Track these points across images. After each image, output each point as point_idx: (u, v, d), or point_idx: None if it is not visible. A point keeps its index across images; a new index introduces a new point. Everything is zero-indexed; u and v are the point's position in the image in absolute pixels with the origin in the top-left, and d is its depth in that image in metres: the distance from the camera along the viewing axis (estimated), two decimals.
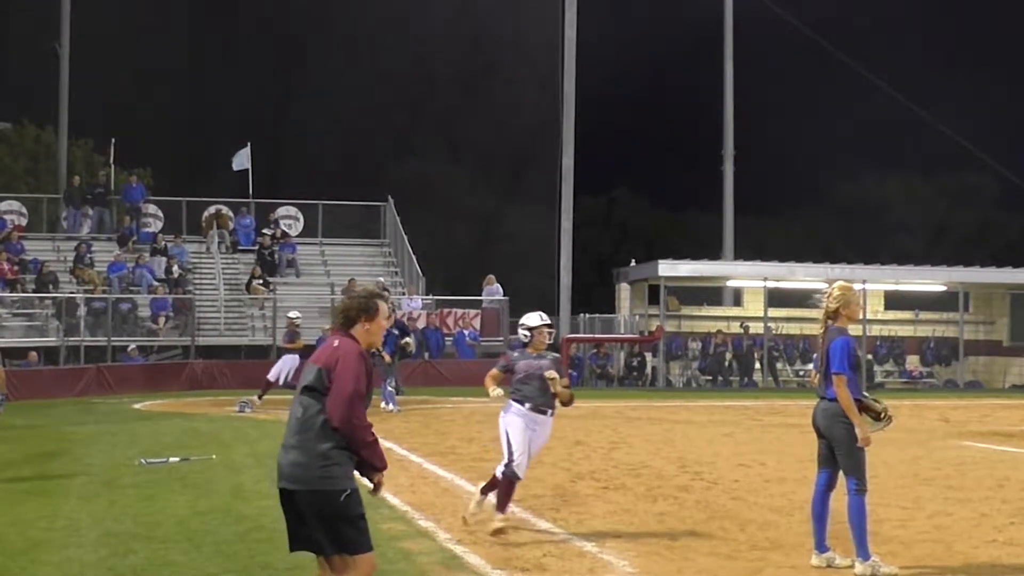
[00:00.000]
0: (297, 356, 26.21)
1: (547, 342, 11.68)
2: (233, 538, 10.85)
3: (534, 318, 11.68)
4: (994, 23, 63.36)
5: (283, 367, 26.43)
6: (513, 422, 11.24)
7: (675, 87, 58.82)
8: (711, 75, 46.78)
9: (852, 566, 9.57)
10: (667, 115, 58.55)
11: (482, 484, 11.62)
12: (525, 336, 11.63)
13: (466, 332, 36.44)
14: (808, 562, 9.82)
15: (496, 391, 11.28)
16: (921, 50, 63.54)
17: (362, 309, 7.27)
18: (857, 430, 9.60)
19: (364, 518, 6.96)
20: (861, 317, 38.72)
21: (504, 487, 11.15)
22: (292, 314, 28.32)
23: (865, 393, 9.97)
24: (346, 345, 7.14)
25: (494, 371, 11.54)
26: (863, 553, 9.55)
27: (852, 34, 59.95)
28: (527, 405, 11.25)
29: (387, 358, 25.63)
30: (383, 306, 7.33)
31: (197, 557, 10.05)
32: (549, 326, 11.80)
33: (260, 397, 26.11)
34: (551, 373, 11.31)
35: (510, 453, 11.15)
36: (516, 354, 11.67)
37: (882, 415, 9.94)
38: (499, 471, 11.22)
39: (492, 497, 11.35)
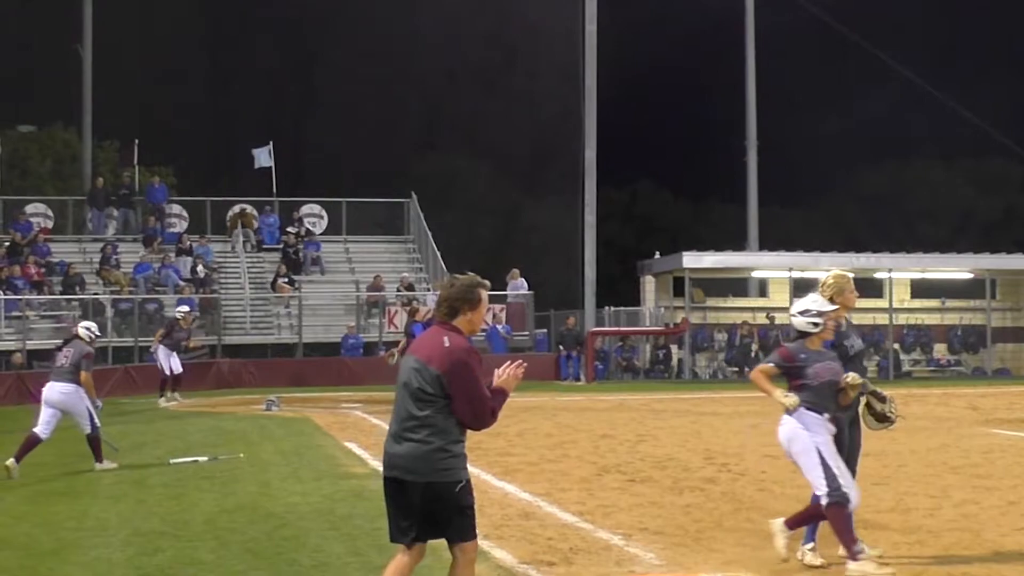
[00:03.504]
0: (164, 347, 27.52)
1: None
2: (260, 536, 10.89)
3: (820, 300, 9.57)
4: (1020, 6, 62.97)
5: (164, 360, 27.75)
6: (821, 438, 9.22)
7: (697, 77, 58.74)
8: (733, 65, 46.65)
9: (880, 555, 9.54)
10: (690, 106, 58.51)
11: (781, 519, 9.67)
12: (812, 325, 9.43)
13: (499, 327, 36.50)
14: (835, 552, 9.78)
15: (792, 399, 9.35)
16: (945, 34, 63.36)
17: (465, 300, 7.37)
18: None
19: (473, 508, 7.24)
20: (890, 305, 38.78)
21: (840, 519, 9.11)
22: (180, 311, 28.77)
23: (874, 388, 9.91)
24: (456, 344, 7.22)
25: (769, 367, 9.57)
26: (806, 537, 9.68)
27: (875, 19, 59.76)
28: (826, 415, 9.30)
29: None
30: (484, 294, 7.45)
31: (224, 555, 10.09)
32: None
33: (166, 396, 27.26)
34: (854, 377, 9.40)
35: (831, 477, 9.10)
36: (801, 352, 9.42)
37: (888, 414, 9.91)
38: (822, 501, 9.16)
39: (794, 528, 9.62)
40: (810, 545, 9.61)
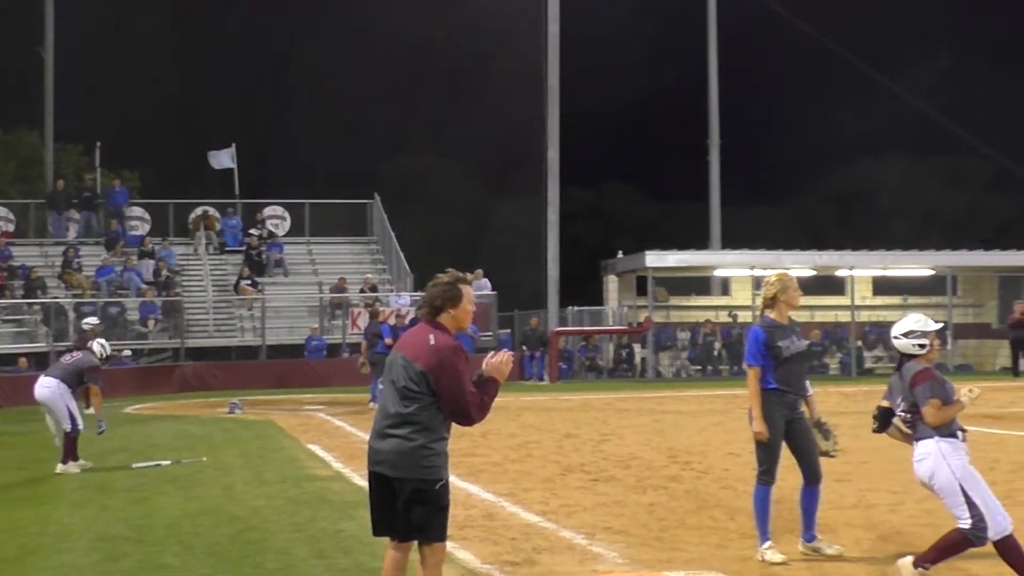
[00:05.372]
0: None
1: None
2: (225, 539, 10.88)
3: (923, 320, 8.94)
4: (984, 4, 63.49)
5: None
6: (963, 467, 8.59)
7: (662, 76, 58.77)
8: (697, 63, 46.82)
9: (840, 555, 9.64)
10: (655, 105, 58.48)
11: (912, 555, 8.91)
12: (919, 347, 8.81)
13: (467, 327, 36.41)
14: (796, 549, 9.88)
15: (976, 391, 8.76)
16: (908, 32, 63.69)
17: (447, 298, 7.47)
18: (754, 423, 9.70)
19: (448, 508, 7.35)
20: (852, 302, 39.01)
21: (959, 546, 8.62)
22: (88, 322, 25.95)
23: (820, 421, 10.02)
24: (441, 341, 7.31)
25: (937, 401, 8.60)
26: (760, 538, 9.72)
27: (838, 17, 60.02)
28: (960, 436, 8.73)
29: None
30: (467, 290, 7.54)
31: (189, 559, 10.08)
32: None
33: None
34: (975, 391, 8.79)
35: (976, 512, 8.44)
36: (939, 373, 8.82)
37: (830, 453, 10.10)
38: (968, 534, 8.51)
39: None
40: (768, 543, 9.68)
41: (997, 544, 8.44)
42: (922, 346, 8.79)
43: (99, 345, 16.75)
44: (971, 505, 8.42)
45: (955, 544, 8.56)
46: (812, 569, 9.46)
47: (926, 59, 61.04)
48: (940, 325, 9.02)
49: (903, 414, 8.78)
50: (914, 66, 59.92)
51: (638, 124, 60.37)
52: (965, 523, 8.46)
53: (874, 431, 9.11)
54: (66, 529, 11.74)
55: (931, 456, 8.59)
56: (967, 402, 8.64)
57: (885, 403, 8.95)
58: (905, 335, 8.85)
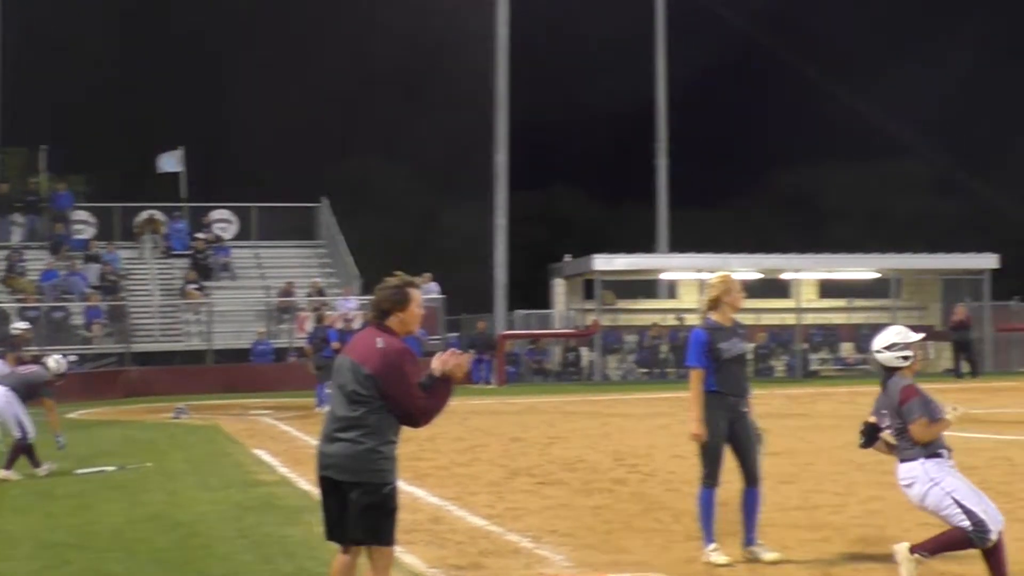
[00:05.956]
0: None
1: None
2: (169, 545, 10.82)
3: (904, 332, 8.91)
4: (929, 8, 64.22)
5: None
6: (952, 480, 8.54)
7: (611, 80, 58.96)
8: (646, 67, 47.03)
9: (778, 561, 9.66)
10: (603, 108, 58.65)
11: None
12: (903, 359, 8.76)
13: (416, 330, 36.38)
14: (739, 552, 9.93)
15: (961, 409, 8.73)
16: (856, 37, 64.29)
17: (394, 301, 7.47)
18: (692, 425, 9.77)
19: (396, 513, 7.32)
20: (798, 305, 39.28)
21: (961, 545, 8.54)
22: (17, 327, 26.05)
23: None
24: (389, 345, 7.30)
25: (925, 420, 8.54)
26: (705, 540, 9.79)
27: (785, 22, 60.51)
28: (945, 453, 8.64)
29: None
30: (414, 293, 7.54)
31: (133, 566, 10.02)
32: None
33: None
34: (959, 409, 8.74)
35: (976, 518, 8.37)
36: (924, 390, 8.73)
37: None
38: (971, 535, 8.42)
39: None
40: (713, 546, 9.73)
41: (968, 539, 8.43)
42: (906, 358, 8.72)
43: (55, 362, 16.69)
44: (969, 513, 8.37)
45: (957, 541, 8.49)
46: (756, 571, 9.52)
47: (872, 63, 61.68)
48: (922, 336, 8.99)
49: (890, 431, 8.72)
50: (861, 70, 60.53)
51: (586, 128, 60.61)
52: (968, 527, 8.41)
53: (861, 446, 9.03)
54: (7, 536, 11.62)
55: (919, 480, 8.53)
56: (953, 420, 8.59)
57: (872, 419, 8.86)
58: (888, 348, 8.77)
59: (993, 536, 8.37)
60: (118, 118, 59.56)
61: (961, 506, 8.37)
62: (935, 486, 8.44)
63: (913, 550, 8.57)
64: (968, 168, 61.07)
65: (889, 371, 8.76)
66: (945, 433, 8.65)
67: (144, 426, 23.70)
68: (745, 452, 9.87)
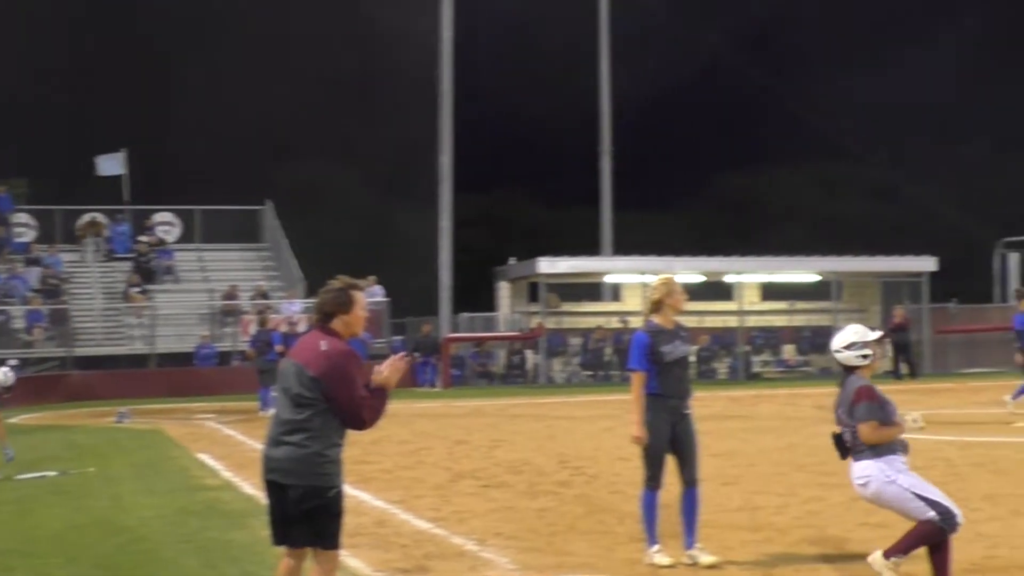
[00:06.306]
0: None
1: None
2: (112, 551, 10.76)
3: (862, 331, 9.01)
4: (869, 13, 64.78)
5: None
6: (907, 478, 8.58)
7: (555, 83, 59.09)
8: (590, 70, 47.17)
9: (716, 565, 9.72)
10: (548, 111, 58.78)
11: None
12: (863, 358, 8.87)
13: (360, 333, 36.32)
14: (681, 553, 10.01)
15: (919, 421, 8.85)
16: (802, 40, 64.74)
17: (339, 304, 7.47)
18: (633, 428, 9.83)
19: (342, 516, 7.31)
20: (740, 307, 39.57)
21: (932, 536, 8.50)
22: None
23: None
24: (333, 347, 7.30)
25: (874, 423, 8.61)
26: (648, 541, 9.86)
27: (730, 25, 60.95)
28: (901, 454, 8.70)
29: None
30: (358, 296, 7.53)
31: (76, 571, 9.97)
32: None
33: None
34: (919, 422, 8.87)
35: (940, 507, 8.43)
36: (880, 392, 8.78)
37: None
38: (939, 523, 8.45)
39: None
40: (656, 547, 9.81)
41: (939, 529, 8.44)
42: (865, 356, 8.81)
43: (2, 374, 16.58)
44: (933, 504, 8.42)
45: (927, 534, 8.48)
46: (698, 571, 9.60)
47: (815, 68, 62.15)
48: (879, 334, 9.05)
49: (844, 429, 8.79)
50: (804, 75, 60.96)
51: (531, 130, 60.64)
52: (934, 517, 8.44)
53: (842, 459, 8.97)
54: None
55: (873, 479, 8.57)
56: (908, 428, 8.68)
57: (838, 429, 8.88)
58: (847, 347, 8.84)
59: (960, 519, 8.44)
60: (59, 120, 59.06)
61: (923, 499, 8.42)
62: (892, 484, 8.49)
63: (887, 555, 8.57)
64: (907, 172, 61.74)
65: (848, 370, 8.86)
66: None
67: (87, 430, 23.53)
68: (685, 454, 9.91)
